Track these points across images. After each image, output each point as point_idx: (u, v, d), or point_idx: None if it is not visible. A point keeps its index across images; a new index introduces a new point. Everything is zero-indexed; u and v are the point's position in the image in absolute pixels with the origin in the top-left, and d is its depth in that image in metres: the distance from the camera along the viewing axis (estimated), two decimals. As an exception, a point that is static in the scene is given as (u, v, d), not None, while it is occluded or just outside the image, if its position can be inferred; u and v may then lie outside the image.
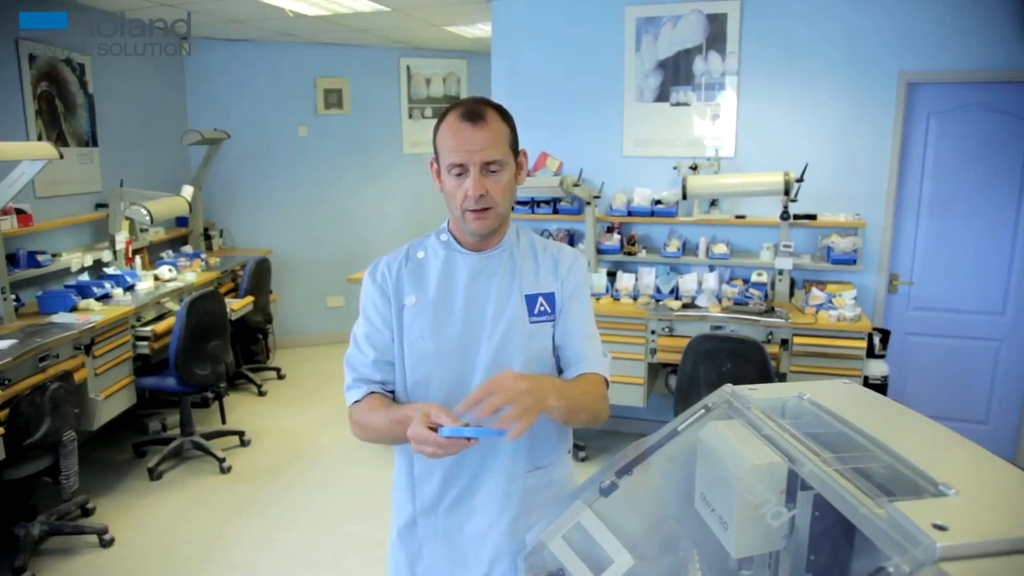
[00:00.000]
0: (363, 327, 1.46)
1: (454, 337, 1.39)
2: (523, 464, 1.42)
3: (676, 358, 3.54)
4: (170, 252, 5.12)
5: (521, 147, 1.41)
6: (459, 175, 1.32)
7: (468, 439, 1.16)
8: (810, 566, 1.01)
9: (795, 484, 1.00)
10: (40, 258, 3.97)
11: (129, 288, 4.19)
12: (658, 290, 4.12)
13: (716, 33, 4.16)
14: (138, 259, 4.56)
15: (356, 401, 1.42)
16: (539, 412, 1.19)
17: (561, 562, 1.14)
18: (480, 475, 1.41)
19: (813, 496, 0.98)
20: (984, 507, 0.79)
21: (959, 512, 0.76)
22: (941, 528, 0.71)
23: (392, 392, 1.46)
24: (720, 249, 4.16)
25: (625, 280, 4.20)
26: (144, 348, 3.95)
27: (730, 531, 1.02)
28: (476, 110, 1.32)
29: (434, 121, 1.39)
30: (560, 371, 1.48)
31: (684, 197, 3.96)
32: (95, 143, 4.72)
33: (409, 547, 1.48)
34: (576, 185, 4.08)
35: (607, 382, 1.45)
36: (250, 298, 4.97)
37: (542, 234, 4.49)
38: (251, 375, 5.37)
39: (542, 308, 1.42)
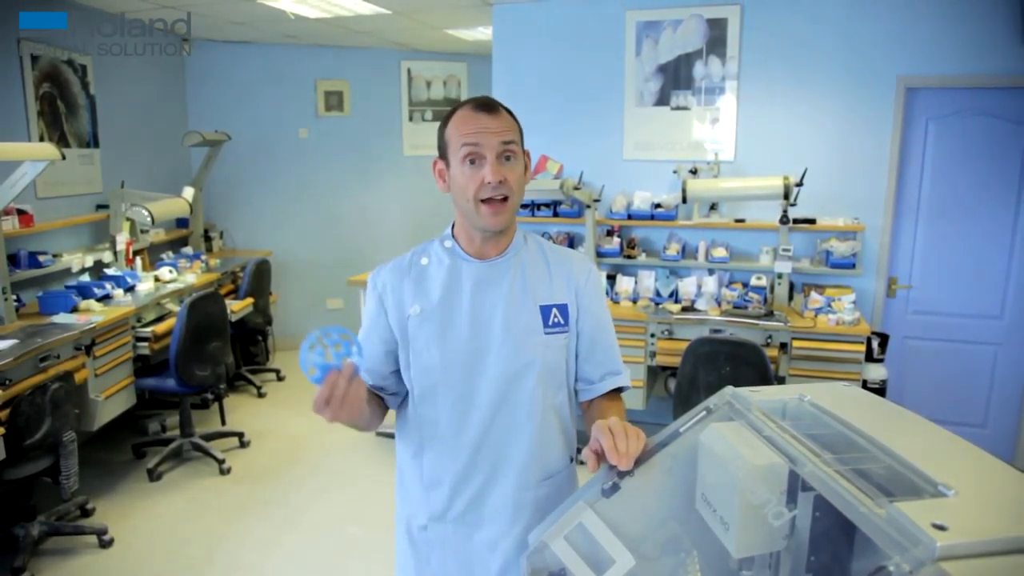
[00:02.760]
0: (363, 334, 1.45)
1: (460, 347, 1.36)
2: (534, 474, 1.39)
3: (675, 361, 3.54)
4: (170, 253, 5.13)
5: (525, 148, 1.41)
6: (473, 163, 1.30)
7: (339, 372, 1.13)
8: (810, 566, 1.02)
9: (796, 485, 1.01)
10: (41, 258, 3.98)
11: (130, 289, 4.20)
12: (658, 293, 4.13)
13: (716, 38, 4.18)
14: (138, 260, 4.56)
15: None
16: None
17: (563, 562, 1.15)
18: (490, 485, 1.39)
19: (814, 497, 0.99)
20: (983, 507, 0.80)
21: (958, 512, 0.76)
22: (941, 528, 0.72)
23: (395, 395, 1.45)
24: (719, 253, 4.18)
25: (625, 283, 4.21)
26: (144, 349, 3.95)
27: (731, 531, 1.02)
28: (489, 101, 1.34)
29: (435, 123, 1.39)
30: (576, 379, 1.47)
31: (684, 201, 3.97)
32: (96, 144, 4.73)
33: (419, 552, 1.46)
34: (576, 188, 4.09)
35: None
36: (250, 299, 4.98)
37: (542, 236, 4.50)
38: (251, 376, 5.38)
39: (556, 319, 1.40)
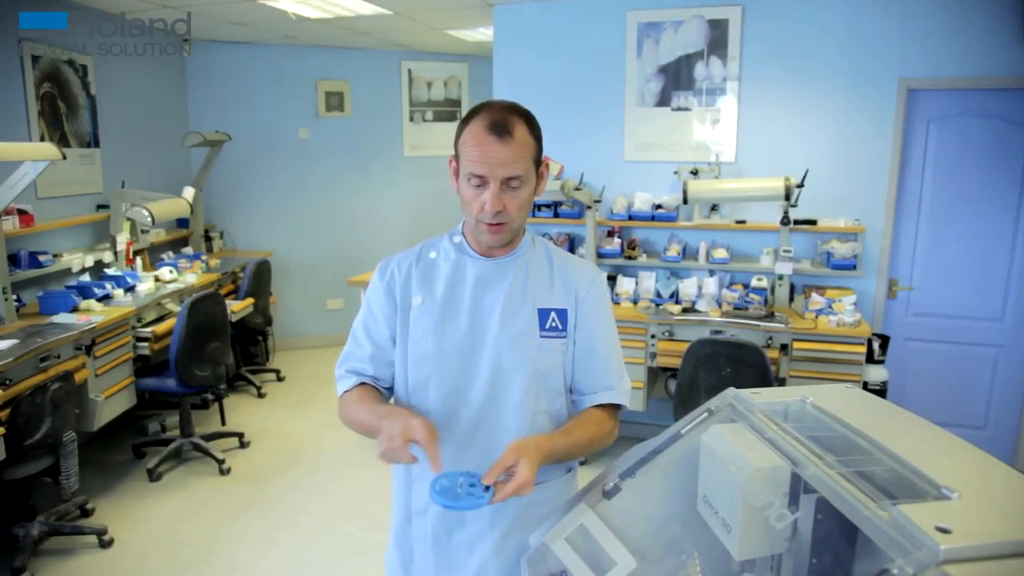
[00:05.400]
0: (364, 322, 1.45)
1: (457, 341, 1.37)
2: None
3: (676, 362, 3.54)
4: (171, 253, 5.13)
5: (544, 158, 1.37)
6: (478, 186, 1.28)
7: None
8: (812, 569, 1.02)
9: (798, 487, 1.01)
10: (41, 258, 3.98)
11: (130, 289, 4.19)
12: (658, 294, 4.13)
13: (717, 38, 4.18)
14: (139, 260, 4.57)
15: (346, 391, 1.43)
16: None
17: (564, 564, 1.15)
18: None
19: (816, 499, 0.98)
20: (986, 510, 0.79)
21: (962, 515, 0.76)
22: (944, 531, 0.72)
23: (389, 389, 1.45)
24: (720, 254, 4.17)
25: (625, 284, 4.21)
26: (144, 349, 3.95)
27: (733, 534, 1.02)
28: (503, 123, 1.26)
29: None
30: (572, 388, 1.45)
31: (685, 202, 3.97)
32: (97, 144, 4.73)
33: (404, 547, 1.47)
34: (577, 189, 4.08)
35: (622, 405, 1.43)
36: (250, 300, 4.97)
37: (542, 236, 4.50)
38: (250, 377, 5.37)
39: (553, 324, 1.39)
